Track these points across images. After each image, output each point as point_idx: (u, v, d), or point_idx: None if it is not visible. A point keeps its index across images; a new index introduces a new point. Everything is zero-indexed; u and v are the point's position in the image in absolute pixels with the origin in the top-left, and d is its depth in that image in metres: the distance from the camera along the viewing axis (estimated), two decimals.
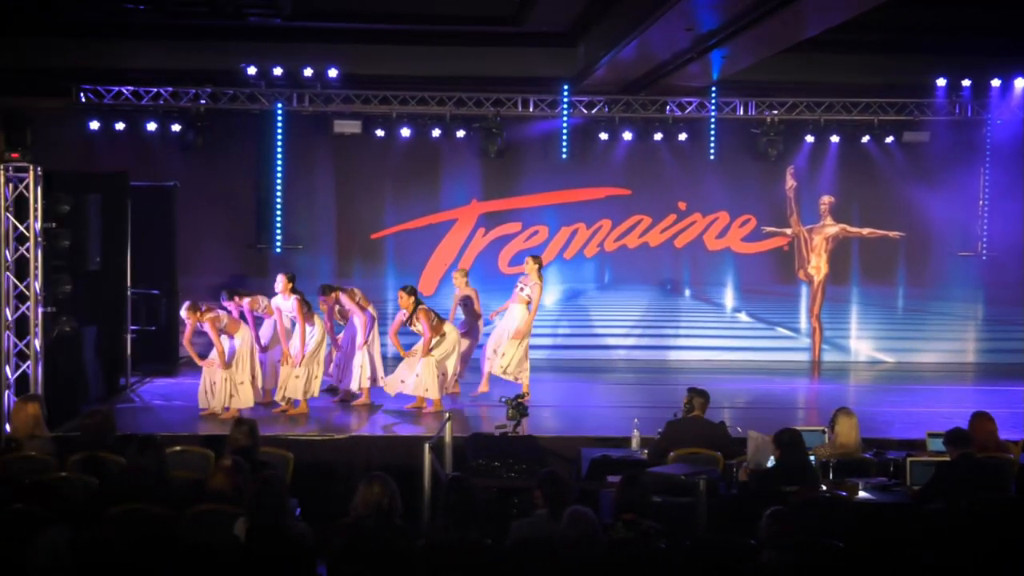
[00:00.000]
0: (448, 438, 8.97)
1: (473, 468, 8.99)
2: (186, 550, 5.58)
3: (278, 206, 15.79)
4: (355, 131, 15.53)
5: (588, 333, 16.69)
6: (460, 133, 15.82)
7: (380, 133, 15.69)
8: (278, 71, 15.12)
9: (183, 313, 11.48)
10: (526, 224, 16.53)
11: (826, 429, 8.99)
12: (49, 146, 13.39)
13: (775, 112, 15.96)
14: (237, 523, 6.04)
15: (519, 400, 10.05)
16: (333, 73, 15.23)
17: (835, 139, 16.19)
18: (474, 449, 9.42)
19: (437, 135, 15.79)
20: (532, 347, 13.41)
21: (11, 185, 10.40)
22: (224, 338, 11.42)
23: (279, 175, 15.75)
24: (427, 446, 8.03)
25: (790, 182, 16.57)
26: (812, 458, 8.19)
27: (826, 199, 16.62)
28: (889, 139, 16.17)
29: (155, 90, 15.19)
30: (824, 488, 7.75)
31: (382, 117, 15.62)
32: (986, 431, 8.40)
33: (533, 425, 10.51)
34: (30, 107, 14.77)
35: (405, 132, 15.72)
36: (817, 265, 16.72)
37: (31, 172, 10.37)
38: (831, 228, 16.67)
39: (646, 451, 9.12)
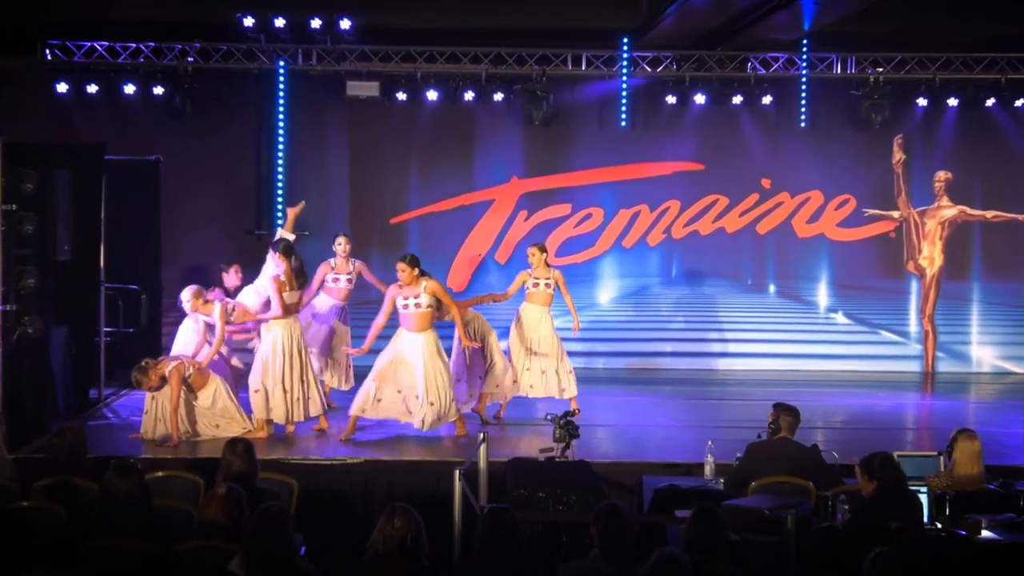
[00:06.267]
0: (483, 463, 8.99)
1: (514, 499, 9.02)
2: None
3: (280, 184, 15.91)
4: (372, 94, 15.63)
5: (652, 338, 16.70)
6: (498, 96, 15.88)
7: (402, 96, 15.78)
8: (280, 23, 15.22)
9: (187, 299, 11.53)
10: (577, 206, 16.56)
11: (942, 455, 8.96)
12: (10, 113, 13.62)
13: (880, 70, 15.88)
14: (232, 562, 6.12)
15: (568, 419, 10.07)
16: (346, 24, 15.31)
17: (953, 102, 16.11)
18: (514, 476, 9.45)
19: (470, 99, 15.86)
20: (578, 354, 13.42)
21: None
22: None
23: (282, 147, 15.87)
24: (458, 472, 8.05)
25: (898, 155, 16.49)
26: (925, 489, 8.15)
27: (942, 175, 16.53)
28: (1019, 102, 16.06)
29: (134, 46, 15.35)
30: (939, 525, 7.71)
31: (404, 77, 15.70)
32: None
33: (585, 448, 10.53)
34: None
35: (432, 95, 15.80)
36: (930, 256, 16.64)
37: None
38: (948, 211, 16.58)
39: (722, 480, 9.13)
